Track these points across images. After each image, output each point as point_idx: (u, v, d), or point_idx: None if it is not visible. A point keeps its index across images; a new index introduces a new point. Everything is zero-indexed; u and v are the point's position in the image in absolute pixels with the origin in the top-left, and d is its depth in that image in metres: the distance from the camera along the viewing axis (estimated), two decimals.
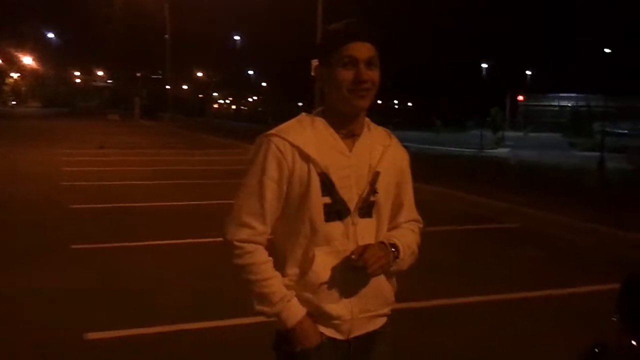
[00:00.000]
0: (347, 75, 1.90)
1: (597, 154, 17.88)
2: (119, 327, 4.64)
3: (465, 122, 52.32)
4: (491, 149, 27.48)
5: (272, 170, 1.91)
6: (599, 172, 14.23)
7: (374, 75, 1.93)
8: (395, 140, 2.12)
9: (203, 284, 5.76)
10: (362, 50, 1.91)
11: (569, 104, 60.76)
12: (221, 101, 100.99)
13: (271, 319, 1.96)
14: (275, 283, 1.93)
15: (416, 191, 2.20)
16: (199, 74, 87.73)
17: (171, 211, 9.64)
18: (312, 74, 18.40)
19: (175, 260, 6.68)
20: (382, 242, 1.99)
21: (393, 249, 1.98)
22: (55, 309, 5.06)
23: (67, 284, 5.70)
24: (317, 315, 1.96)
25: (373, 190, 1.99)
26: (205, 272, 6.12)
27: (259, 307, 1.95)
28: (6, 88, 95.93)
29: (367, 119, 2.06)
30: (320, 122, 1.99)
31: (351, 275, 1.93)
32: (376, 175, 2.00)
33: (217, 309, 5.04)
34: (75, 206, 9.60)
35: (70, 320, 4.78)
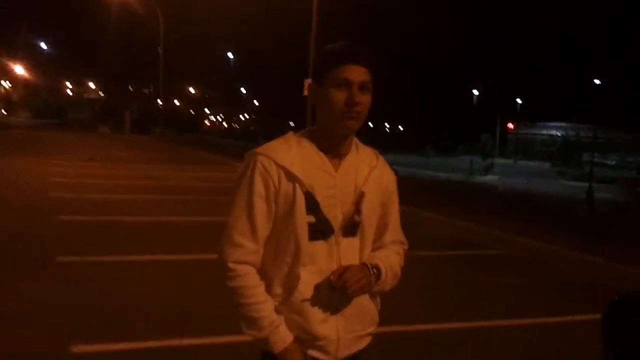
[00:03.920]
0: (339, 96, 1.92)
1: (585, 183, 18.02)
2: (104, 341, 4.61)
3: (455, 147, 52.64)
4: (480, 175, 27.63)
5: (259, 189, 1.94)
6: (586, 202, 14.33)
7: (366, 99, 1.95)
8: (382, 161, 2.13)
9: (189, 300, 5.75)
10: (357, 73, 1.93)
11: (559, 133, 61.32)
12: (213, 118, 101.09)
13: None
14: (265, 308, 1.94)
15: (403, 214, 2.22)
16: (191, 90, 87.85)
17: (159, 226, 9.62)
18: (305, 93, 18.31)
19: (161, 276, 6.66)
20: (364, 263, 2.00)
21: (375, 270, 1.99)
22: (40, 321, 5.01)
23: (52, 297, 5.67)
24: (304, 336, 1.97)
25: (357, 210, 2.01)
26: (191, 288, 6.12)
27: (247, 330, 1.97)
28: None
29: (355, 139, 2.08)
30: (306, 142, 2.01)
31: (335, 295, 1.95)
32: (361, 195, 2.02)
33: (202, 326, 5.02)
34: (62, 217, 9.55)
35: (55, 333, 4.75)
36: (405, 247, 2.21)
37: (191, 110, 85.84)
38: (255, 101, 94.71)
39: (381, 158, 2.14)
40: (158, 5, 41.73)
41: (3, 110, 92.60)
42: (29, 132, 39.55)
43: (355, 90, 1.92)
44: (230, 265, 1.94)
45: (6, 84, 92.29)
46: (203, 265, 6.48)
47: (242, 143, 39.64)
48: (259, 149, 1.99)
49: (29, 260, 6.96)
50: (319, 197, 1.95)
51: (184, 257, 7.47)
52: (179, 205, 12.00)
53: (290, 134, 2.06)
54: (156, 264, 7.20)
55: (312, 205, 1.94)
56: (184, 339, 4.75)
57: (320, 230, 1.96)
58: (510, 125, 69.04)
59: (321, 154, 2.00)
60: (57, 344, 4.49)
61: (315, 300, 1.96)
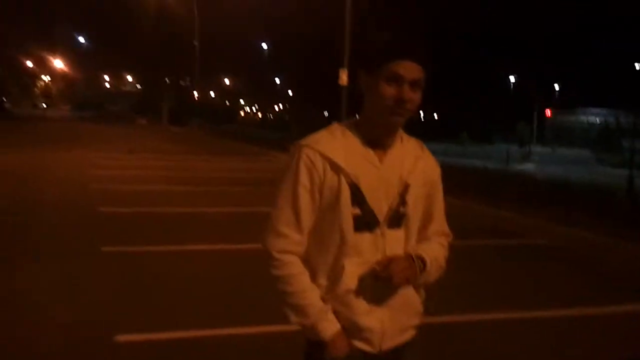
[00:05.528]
0: (389, 91, 1.90)
1: (625, 170, 17.64)
2: (149, 330, 4.70)
3: (491, 135, 52.04)
4: (517, 163, 27.25)
5: (304, 180, 1.95)
6: (628, 189, 14.07)
7: (416, 97, 1.92)
8: (427, 152, 2.13)
9: (233, 290, 5.82)
10: (411, 70, 1.89)
11: (598, 119, 60.14)
12: (247, 109, 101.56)
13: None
14: (312, 295, 1.96)
15: None
16: (226, 81, 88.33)
17: (198, 217, 9.73)
18: (340, 82, 18.22)
19: (204, 265, 6.75)
20: (409, 254, 2.00)
21: (419, 261, 2.00)
22: (86, 310, 5.13)
23: (98, 286, 5.80)
24: (348, 327, 1.98)
25: (403, 202, 2.01)
26: (234, 278, 6.19)
27: (294, 318, 1.97)
28: (37, 91, 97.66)
29: (400, 130, 2.07)
30: (351, 133, 2.00)
31: (380, 286, 1.95)
32: (406, 186, 2.02)
33: (246, 315, 5.08)
34: (104, 209, 9.74)
35: (101, 322, 4.85)
36: (450, 239, 2.20)
37: (226, 101, 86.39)
38: (289, 91, 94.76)
39: (426, 149, 2.14)
40: None
41: (43, 104, 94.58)
42: (68, 125, 40.29)
43: (406, 87, 1.90)
44: (275, 254, 1.96)
45: (46, 78, 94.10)
46: (246, 255, 6.56)
47: (276, 134, 39.85)
48: (304, 141, 2.00)
49: (75, 250, 7.12)
50: (364, 189, 1.95)
51: (226, 247, 7.55)
52: (218, 195, 12.12)
53: (335, 125, 2.06)
54: (199, 254, 7.29)
55: (358, 197, 1.95)
56: (228, 328, 4.81)
57: (366, 221, 1.96)
58: (548, 112, 67.89)
59: (366, 145, 1.99)
60: (103, 333, 4.58)
61: (360, 291, 1.96)
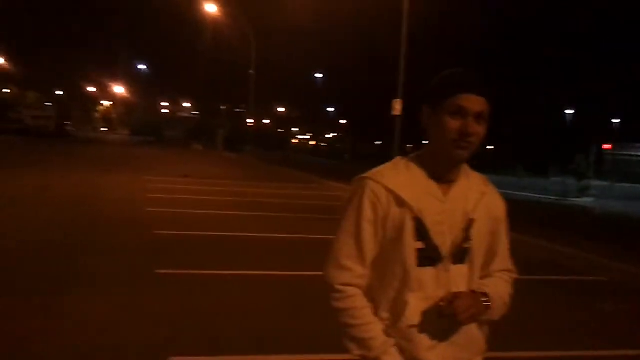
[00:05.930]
0: (453, 125, 1.89)
1: None
2: (201, 353, 4.73)
3: (547, 168, 51.08)
4: (575, 197, 26.60)
5: (368, 213, 1.94)
6: None
7: (480, 129, 1.91)
8: (492, 188, 2.10)
9: (285, 316, 5.82)
10: (475, 103, 1.89)
11: None
12: (300, 136, 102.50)
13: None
14: (375, 328, 1.94)
15: None
16: (280, 109, 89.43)
17: (251, 242, 9.79)
18: (394, 113, 18.15)
19: (256, 290, 6.77)
20: (474, 291, 1.98)
21: (485, 298, 1.97)
22: (140, 332, 5.19)
23: (151, 308, 5.87)
24: None
25: (467, 237, 1.98)
26: (287, 304, 6.20)
27: (357, 351, 1.95)
28: (97, 115, 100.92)
29: (464, 165, 2.05)
30: (415, 167, 2.00)
31: (443, 322, 1.92)
32: (471, 222, 1.99)
33: (299, 343, 5.06)
34: (159, 232, 9.89)
35: (154, 344, 4.89)
36: (514, 276, 2.17)
37: (279, 129, 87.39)
38: (341, 120, 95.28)
39: (491, 184, 2.11)
40: (250, 27, 42.86)
41: (103, 128, 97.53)
42: (126, 149, 41.32)
43: (471, 120, 1.89)
44: (338, 287, 1.96)
45: (107, 103, 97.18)
46: (298, 281, 6.58)
47: (328, 161, 40.05)
48: (368, 174, 2.00)
49: (129, 272, 7.24)
50: (428, 223, 1.93)
51: (278, 273, 7.57)
52: (269, 221, 12.19)
53: (398, 158, 2.06)
54: (251, 279, 7.33)
55: (422, 232, 1.93)
56: (280, 355, 4.80)
57: (429, 256, 1.94)
58: (607, 146, 66.28)
59: (430, 179, 1.98)
60: (157, 355, 4.63)
61: (423, 327, 1.94)
